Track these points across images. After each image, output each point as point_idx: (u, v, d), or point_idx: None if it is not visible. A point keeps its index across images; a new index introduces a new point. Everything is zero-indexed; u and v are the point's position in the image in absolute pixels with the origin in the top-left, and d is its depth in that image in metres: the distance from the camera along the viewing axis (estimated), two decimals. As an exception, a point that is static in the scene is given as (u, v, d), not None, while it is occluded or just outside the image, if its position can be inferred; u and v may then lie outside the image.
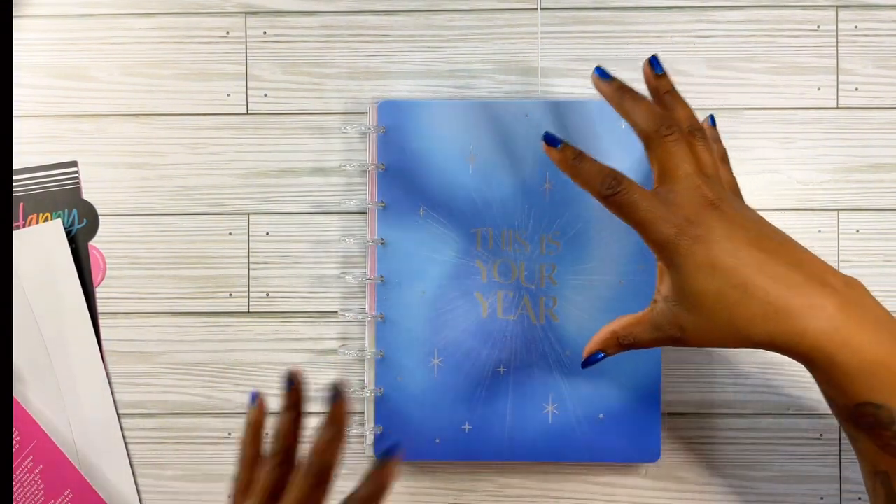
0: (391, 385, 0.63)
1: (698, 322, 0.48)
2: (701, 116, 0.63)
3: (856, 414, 0.46)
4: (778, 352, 0.47)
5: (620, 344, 0.52)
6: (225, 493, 0.65)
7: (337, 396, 0.47)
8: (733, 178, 0.55)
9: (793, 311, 0.45)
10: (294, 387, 0.50)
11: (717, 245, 0.46)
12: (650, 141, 0.50)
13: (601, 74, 0.53)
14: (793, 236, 0.61)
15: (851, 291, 0.46)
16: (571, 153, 0.50)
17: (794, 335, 0.45)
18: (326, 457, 0.46)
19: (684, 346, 0.50)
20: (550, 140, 0.50)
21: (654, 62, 0.53)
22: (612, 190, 0.48)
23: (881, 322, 0.45)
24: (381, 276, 0.63)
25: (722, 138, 0.58)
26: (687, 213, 0.47)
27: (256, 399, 0.53)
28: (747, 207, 0.50)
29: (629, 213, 0.48)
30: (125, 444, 0.65)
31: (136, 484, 0.65)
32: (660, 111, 0.50)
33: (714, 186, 0.48)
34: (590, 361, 0.53)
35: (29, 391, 0.64)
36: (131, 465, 0.65)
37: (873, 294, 0.47)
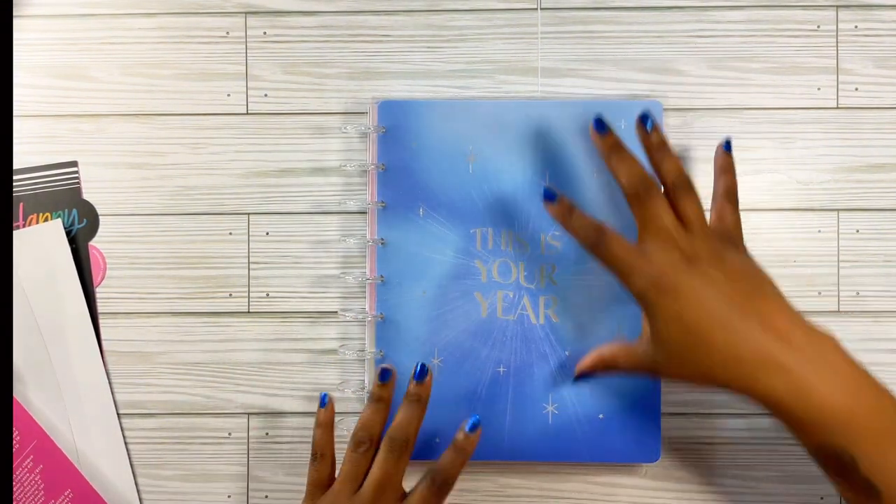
0: (391, 385, 0.63)
1: (670, 363, 0.53)
2: (701, 116, 0.63)
3: (817, 456, 0.51)
4: (737, 396, 0.51)
5: (605, 367, 0.59)
6: (225, 493, 0.65)
7: (423, 375, 0.57)
8: (737, 216, 0.57)
9: (746, 363, 0.50)
10: (390, 382, 0.57)
11: (685, 300, 0.51)
12: (631, 199, 0.54)
13: (598, 127, 0.57)
14: (793, 236, 0.61)
15: (813, 348, 0.50)
16: (566, 207, 0.56)
17: (747, 384, 0.50)
18: (409, 431, 0.55)
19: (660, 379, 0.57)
20: (548, 195, 0.56)
21: (644, 120, 0.56)
22: (595, 241, 0.54)
23: (841, 374, 0.49)
24: (381, 276, 0.63)
25: (734, 170, 0.59)
26: (660, 268, 0.52)
27: (327, 399, 0.59)
28: (733, 254, 0.54)
29: (609, 264, 0.54)
30: (125, 443, 0.65)
31: (136, 484, 0.65)
32: (641, 171, 0.54)
33: (692, 241, 0.53)
34: (581, 377, 0.61)
35: (29, 391, 0.64)
36: (131, 465, 0.65)
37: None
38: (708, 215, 0.58)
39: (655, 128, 0.56)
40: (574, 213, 0.55)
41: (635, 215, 0.54)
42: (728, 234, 0.56)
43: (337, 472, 0.57)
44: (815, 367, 0.49)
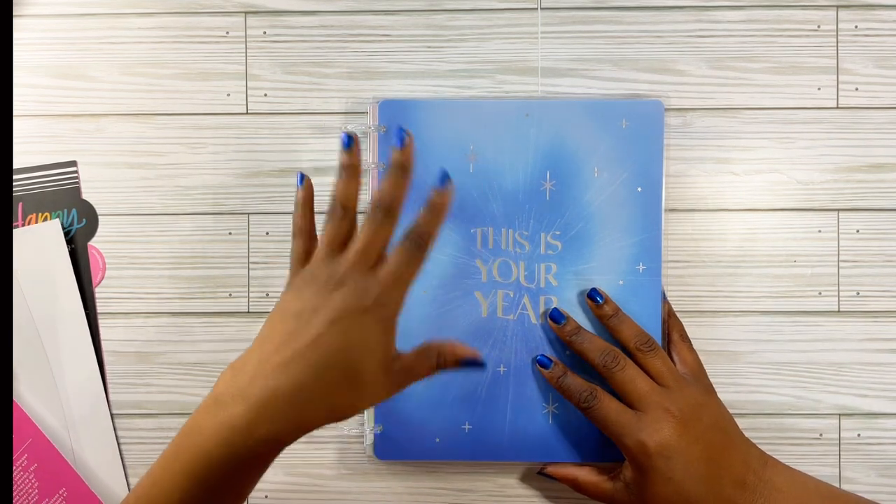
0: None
1: None
2: (701, 116, 0.63)
3: None
4: None
5: (574, 487, 0.61)
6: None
7: (402, 138, 0.51)
8: (694, 354, 0.62)
9: None
10: (352, 147, 0.53)
11: (675, 462, 0.55)
12: (604, 372, 0.58)
13: (555, 318, 0.61)
14: (793, 236, 0.61)
15: (764, 485, 0.55)
16: (560, 371, 0.60)
17: None
18: (395, 194, 0.51)
19: None
20: (542, 362, 0.61)
21: (592, 295, 0.61)
22: (587, 403, 0.58)
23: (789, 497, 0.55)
24: (382, 275, 0.63)
25: (675, 312, 0.64)
26: (649, 431, 0.55)
27: (304, 179, 0.55)
28: (706, 399, 0.58)
29: (602, 425, 0.57)
30: (118, 443, 0.65)
31: (129, 484, 0.65)
32: (603, 345, 0.59)
33: (672, 397, 0.57)
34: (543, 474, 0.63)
35: (24, 389, 0.64)
36: (123, 465, 0.65)
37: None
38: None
39: (605, 299, 0.61)
40: (567, 375, 0.60)
41: (613, 386, 0.58)
42: (695, 375, 0.60)
43: None
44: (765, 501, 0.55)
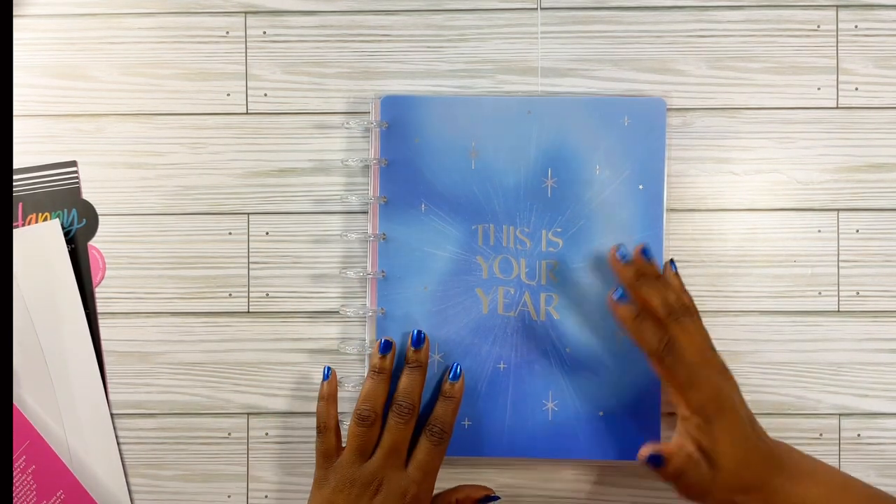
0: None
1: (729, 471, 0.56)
2: (701, 116, 0.63)
3: None
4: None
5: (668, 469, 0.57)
6: (225, 493, 0.65)
7: (420, 341, 0.60)
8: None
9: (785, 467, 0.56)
10: (390, 355, 0.60)
11: (738, 414, 0.56)
12: (669, 320, 0.58)
13: (621, 296, 0.59)
14: (793, 236, 0.62)
15: (794, 467, 0.56)
16: (637, 311, 0.58)
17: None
18: (413, 396, 0.58)
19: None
20: (620, 295, 0.58)
21: (646, 252, 0.61)
22: (665, 353, 0.56)
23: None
24: (383, 272, 0.63)
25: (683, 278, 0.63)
26: (714, 388, 0.56)
27: (331, 372, 0.61)
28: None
29: (673, 374, 0.56)
30: (118, 444, 0.65)
31: (128, 485, 0.65)
32: (656, 334, 0.57)
33: (718, 357, 0.58)
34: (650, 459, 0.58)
35: (23, 391, 0.64)
36: (124, 466, 0.65)
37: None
38: None
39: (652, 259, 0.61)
40: (646, 321, 0.57)
41: (673, 335, 0.57)
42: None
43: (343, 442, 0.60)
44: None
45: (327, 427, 0.59)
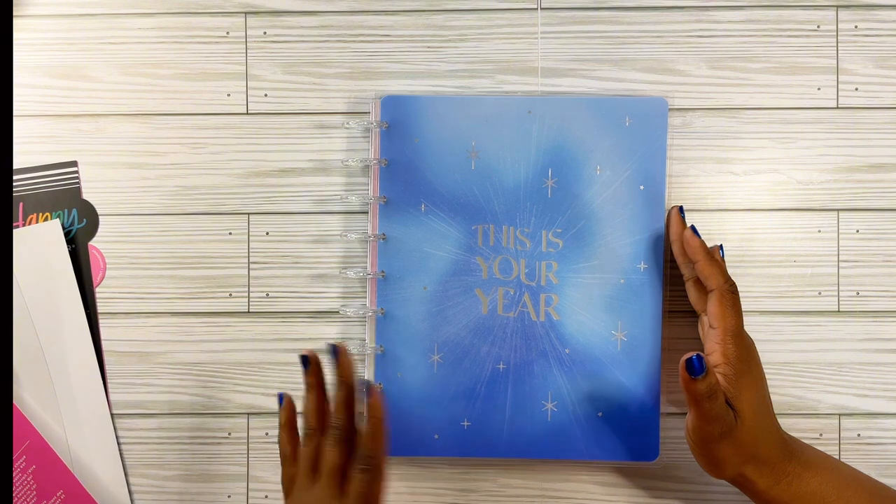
0: (391, 381, 0.63)
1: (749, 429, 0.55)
2: (701, 116, 0.63)
3: None
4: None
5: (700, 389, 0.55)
6: (224, 493, 0.65)
7: (335, 355, 0.56)
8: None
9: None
10: (311, 368, 0.57)
11: (763, 391, 0.57)
12: (724, 295, 0.57)
13: (694, 230, 0.59)
14: (793, 236, 0.62)
15: (807, 455, 0.56)
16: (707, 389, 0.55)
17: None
18: (340, 417, 0.55)
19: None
20: (693, 366, 0.54)
21: (694, 229, 0.59)
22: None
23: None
24: (382, 272, 0.63)
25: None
26: (744, 354, 0.56)
27: (284, 399, 0.58)
28: None
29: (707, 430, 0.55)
30: (118, 444, 0.65)
31: (129, 485, 0.65)
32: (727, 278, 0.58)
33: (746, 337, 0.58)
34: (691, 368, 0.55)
35: (24, 391, 0.64)
36: (124, 467, 0.65)
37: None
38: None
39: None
40: (718, 397, 0.54)
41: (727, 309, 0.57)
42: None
43: None
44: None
45: (286, 457, 0.57)
